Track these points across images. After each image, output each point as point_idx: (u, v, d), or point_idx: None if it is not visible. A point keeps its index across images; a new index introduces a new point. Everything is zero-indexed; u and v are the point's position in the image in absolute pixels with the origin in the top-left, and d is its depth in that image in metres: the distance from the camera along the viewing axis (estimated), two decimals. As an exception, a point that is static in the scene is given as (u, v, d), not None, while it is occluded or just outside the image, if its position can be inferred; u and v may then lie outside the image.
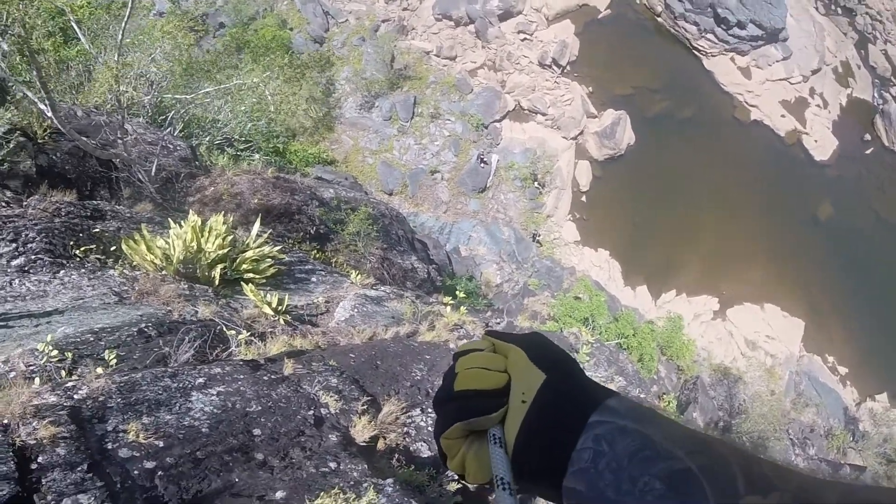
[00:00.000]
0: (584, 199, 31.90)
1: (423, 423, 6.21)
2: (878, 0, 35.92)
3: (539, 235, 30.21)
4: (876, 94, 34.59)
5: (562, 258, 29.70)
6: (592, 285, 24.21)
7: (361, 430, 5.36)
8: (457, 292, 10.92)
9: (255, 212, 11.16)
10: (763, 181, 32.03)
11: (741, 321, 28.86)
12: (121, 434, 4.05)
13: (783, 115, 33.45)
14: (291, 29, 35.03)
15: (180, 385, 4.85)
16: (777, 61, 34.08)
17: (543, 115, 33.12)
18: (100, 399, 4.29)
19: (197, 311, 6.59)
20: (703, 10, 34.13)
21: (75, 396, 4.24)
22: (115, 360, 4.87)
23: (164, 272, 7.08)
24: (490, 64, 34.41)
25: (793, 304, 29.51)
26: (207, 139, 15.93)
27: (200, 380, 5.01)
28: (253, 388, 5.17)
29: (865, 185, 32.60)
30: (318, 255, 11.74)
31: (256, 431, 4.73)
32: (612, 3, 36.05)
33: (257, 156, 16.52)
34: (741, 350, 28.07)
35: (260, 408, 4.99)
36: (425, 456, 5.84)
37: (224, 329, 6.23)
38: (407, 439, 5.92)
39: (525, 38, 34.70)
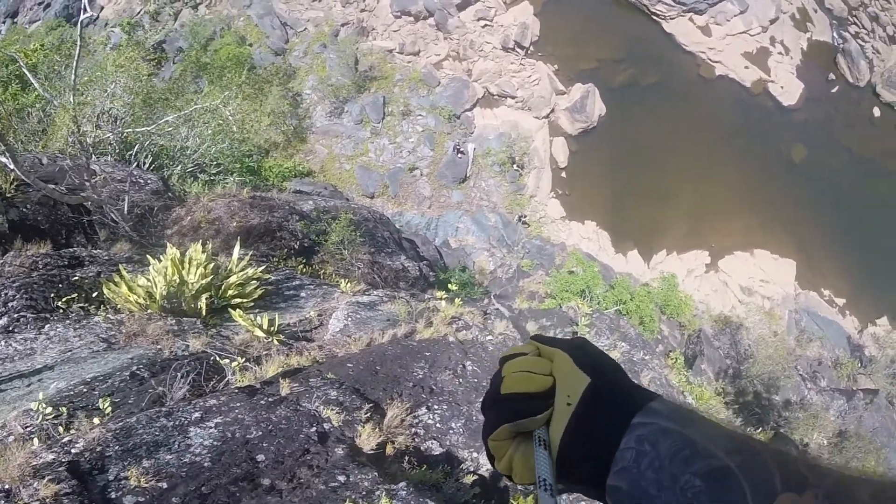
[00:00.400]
0: (563, 174, 31.94)
1: (430, 421, 6.15)
2: (829, -56, 36.09)
3: (525, 217, 30.19)
4: (835, 35, 34.82)
5: (550, 236, 29.75)
6: (584, 257, 24.29)
7: (367, 439, 5.32)
8: (450, 285, 10.85)
9: (235, 235, 11.02)
10: (735, 133, 32.24)
11: (734, 270, 29.05)
12: (122, 482, 4.02)
13: (747, 67, 33.65)
14: (251, 45, 34.83)
15: (177, 423, 4.80)
16: (735, 16, 34.17)
17: (513, 98, 33.08)
18: (97, 449, 4.26)
19: (188, 345, 6.51)
20: (656, -27, 34.16)
21: (72, 450, 4.20)
22: (109, 409, 4.85)
23: (149, 311, 6.99)
24: (454, 54, 34.31)
25: (781, 246, 29.76)
26: (178, 168, 15.74)
27: (196, 414, 4.96)
28: (251, 414, 5.12)
29: (835, 124, 32.87)
30: (305, 270, 11.62)
31: (260, 457, 4.67)
32: (568, -21, 36.07)
33: (231, 178, 16.36)
34: (738, 298, 28.27)
35: (260, 433, 4.92)
36: (437, 453, 5.78)
37: (217, 359, 6.17)
38: (416, 440, 5.86)
39: (485, 25, 34.60)
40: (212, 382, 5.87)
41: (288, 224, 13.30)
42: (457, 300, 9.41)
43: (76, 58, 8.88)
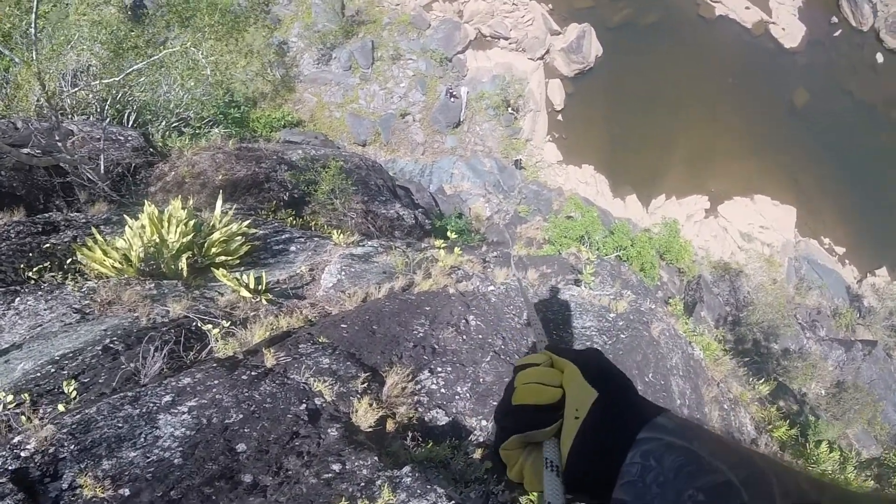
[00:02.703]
0: (560, 117, 31.38)
1: (434, 387, 5.68)
2: None
3: (521, 161, 29.66)
4: None
5: (547, 180, 29.35)
6: (582, 202, 23.96)
7: (365, 415, 4.79)
8: (448, 233, 10.45)
9: (220, 189, 10.49)
10: (736, 75, 31.72)
11: (733, 215, 28.83)
12: (78, 490, 3.49)
13: (748, 7, 32.93)
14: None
15: (144, 410, 4.22)
16: (736, -48, 33.19)
17: (506, 39, 32.21)
18: (50, 451, 3.71)
19: (168, 311, 5.97)
20: None
21: (22, 454, 3.65)
22: (75, 392, 4.33)
23: (125, 275, 6.49)
24: (444, -6, 33.19)
25: (782, 192, 29.52)
26: (163, 124, 15.18)
27: (167, 397, 4.38)
28: (231, 392, 4.54)
29: (837, 68, 32.32)
30: (295, 222, 11.09)
31: (240, 447, 4.10)
32: (560, -87, 34.76)
33: (216, 130, 15.74)
34: (738, 244, 28.14)
35: (241, 416, 4.35)
36: (443, 423, 5.31)
37: (200, 324, 5.64)
38: (419, 409, 5.38)
39: (476, -37, 33.40)
40: (192, 352, 5.33)
41: (276, 175, 12.74)
42: (456, 249, 9.01)
43: (34, 10, 8.10)
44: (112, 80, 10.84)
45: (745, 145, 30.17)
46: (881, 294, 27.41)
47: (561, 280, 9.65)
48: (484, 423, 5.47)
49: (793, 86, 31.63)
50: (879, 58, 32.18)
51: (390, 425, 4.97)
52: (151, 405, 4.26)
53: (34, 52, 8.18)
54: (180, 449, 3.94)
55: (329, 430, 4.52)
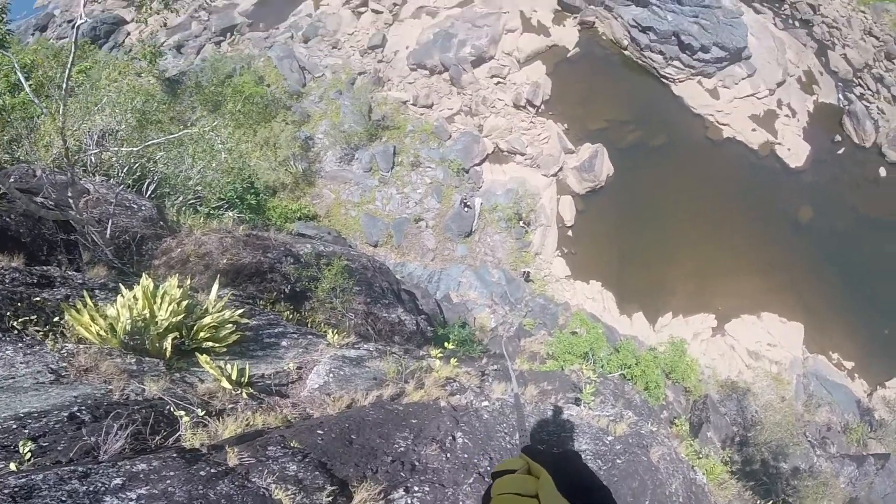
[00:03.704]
0: (570, 233, 31.89)
1: None
2: (833, 8, 37.30)
3: (530, 274, 29.91)
4: (841, 97, 35.54)
5: (554, 294, 29.43)
6: (588, 318, 23.92)
7: None
8: (447, 343, 10.26)
9: (223, 272, 10.52)
10: (742, 195, 32.41)
11: (740, 333, 28.60)
12: None
13: (754, 129, 34.15)
14: (268, 85, 35.24)
15: (91, 489, 3.89)
16: (743, 79, 34.94)
17: (522, 154, 33.33)
18: None
19: (144, 389, 5.74)
20: (667, 39, 34.94)
21: None
22: (29, 454, 4.15)
23: (108, 345, 6.44)
24: (466, 109, 34.75)
25: (788, 309, 29.40)
26: (179, 199, 15.47)
27: (118, 480, 4.04)
28: (185, 487, 4.21)
29: (841, 185, 33.05)
30: (292, 316, 10.98)
31: None
32: (580, 42, 37.03)
33: (231, 213, 16.02)
34: (745, 362, 27.75)
35: None
36: None
37: (173, 409, 5.41)
38: None
39: (499, 82, 35.23)
40: (158, 436, 5.06)
41: (281, 266, 12.71)
42: (452, 360, 8.77)
43: (70, 64, 8.37)
44: (132, 148, 11.04)
45: (752, 263, 30.40)
46: (892, 406, 26.74)
47: (561, 398, 9.37)
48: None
49: (798, 203, 32.23)
50: (882, 171, 32.96)
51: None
52: (100, 485, 3.97)
53: (62, 106, 8.39)
54: (117, 538, 3.51)
55: (283, 546, 4.03)
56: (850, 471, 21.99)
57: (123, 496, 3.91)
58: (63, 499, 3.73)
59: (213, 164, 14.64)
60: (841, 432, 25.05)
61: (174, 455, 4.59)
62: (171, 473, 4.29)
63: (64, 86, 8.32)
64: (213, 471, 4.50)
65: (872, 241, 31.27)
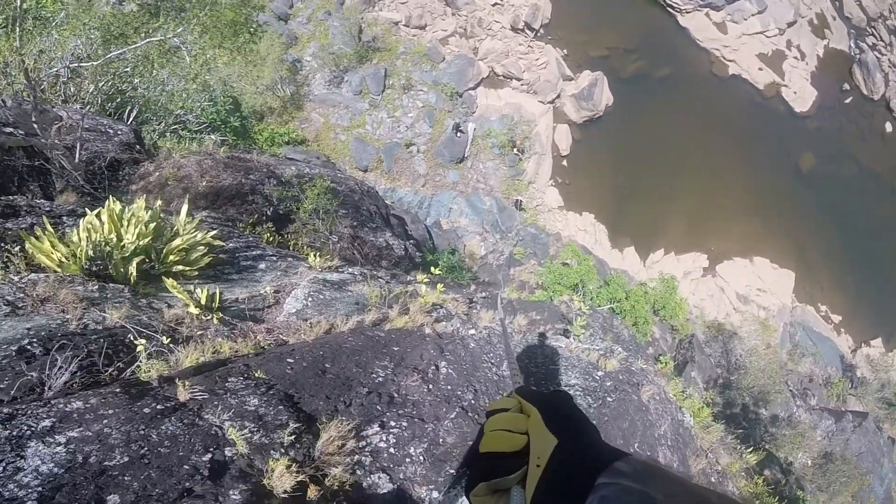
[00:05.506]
0: (564, 163, 31.28)
1: (382, 444, 4.61)
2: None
3: (522, 202, 29.42)
4: (852, 44, 34.53)
5: (546, 225, 29.07)
6: (580, 250, 23.61)
7: (281, 477, 3.79)
8: (434, 268, 9.84)
9: (202, 195, 10.11)
10: (744, 135, 31.80)
11: (731, 276, 28.58)
12: None
13: (761, 69, 33.24)
14: (254, 8, 33.62)
15: (15, 433, 3.42)
16: (752, 15, 33.81)
17: (518, 80, 32.31)
18: None
19: (105, 318, 5.26)
20: (676, -36, 33.45)
21: None
22: None
23: (68, 272, 5.96)
24: (461, 31, 33.39)
25: (781, 256, 29.34)
26: (161, 125, 14.90)
27: (46, 422, 3.57)
28: (124, 427, 3.70)
29: (846, 135, 32.57)
30: (272, 239, 10.57)
31: (112, 499, 3.21)
32: (584, -37, 35.24)
33: (213, 136, 15.43)
34: (734, 305, 27.81)
35: (127, 458, 3.48)
36: (384, 492, 4.25)
37: (134, 338, 4.93)
38: (358, 472, 4.31)
39: (496, 3, 33.71)
40: (111, 369, 4.54)
41: (262, 188, 12.28)
42: (439, 285, 8.37)
43: None
44: (90, 63, 10.41)
45: (749, 206, 30.11)
46: (875, 365, 27.17)
47: (550, 329, 9.08)
48: (435, 494, 4.47)
49: (800, 150, 31.80)
50: (889, 127, 32.53)
51: (313, 491, 3.97)
52: (25, 428, 3.51)
53: (18, 29, 7.84)
54: (39, 489, 3.15)
55: (231, 493, 3.64)
56: (827, 425, 22.35)
57: (51, 440, 3.45)
58: (-21, 446, 3.26)
59: (178, 72, 13.93)
60: (822, 385, 25.40)
61: (117, 390, 4.10)
62: (110, 412, 3.80)
63: (17, 3, 7.56)
64: (159, 407, 4.01)
65: (872, 196, 31.04)
